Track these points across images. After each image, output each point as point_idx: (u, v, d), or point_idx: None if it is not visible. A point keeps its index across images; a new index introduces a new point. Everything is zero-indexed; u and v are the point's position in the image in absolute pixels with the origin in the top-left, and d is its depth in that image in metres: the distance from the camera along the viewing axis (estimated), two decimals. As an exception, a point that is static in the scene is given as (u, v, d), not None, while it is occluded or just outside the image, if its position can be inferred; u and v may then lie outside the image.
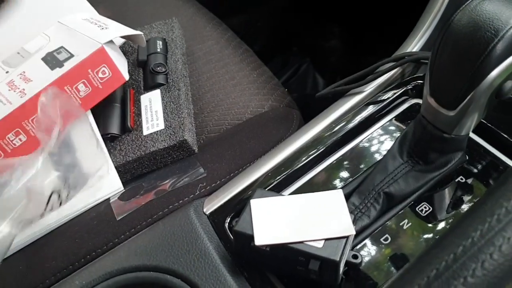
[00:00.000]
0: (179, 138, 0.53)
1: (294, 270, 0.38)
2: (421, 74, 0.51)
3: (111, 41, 0.55)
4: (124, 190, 0.53)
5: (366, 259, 0.39)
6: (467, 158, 0.44)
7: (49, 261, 0.47)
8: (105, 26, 0.57)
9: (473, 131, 0.43)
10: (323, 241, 0.36)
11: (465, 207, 0.41)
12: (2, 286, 0.46)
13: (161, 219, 0.47)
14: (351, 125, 0.49)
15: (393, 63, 0.51)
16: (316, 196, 0.39)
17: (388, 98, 0.50)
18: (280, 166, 0.47)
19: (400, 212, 0.42)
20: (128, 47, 0.65)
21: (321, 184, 0.45)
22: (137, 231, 0.48)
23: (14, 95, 0.52)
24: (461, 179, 0.43)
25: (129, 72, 0.59)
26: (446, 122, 0.39)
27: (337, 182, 0.45)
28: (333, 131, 0.49)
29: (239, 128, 0.58)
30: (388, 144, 0.47)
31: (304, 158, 0.47)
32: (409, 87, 0.50)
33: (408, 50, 0.53)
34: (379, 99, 0.51)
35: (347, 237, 0.37)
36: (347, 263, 0.38)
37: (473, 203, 0.40)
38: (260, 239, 0.37)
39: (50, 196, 0.47)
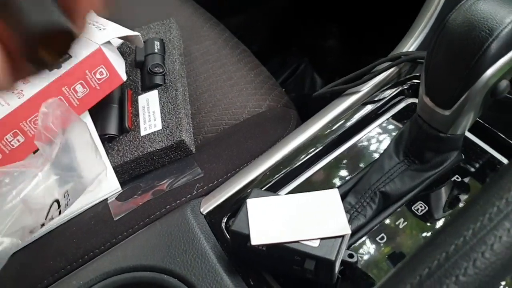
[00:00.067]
0: (176, 139, 0.53)
1: (290, 270, 0.38)
2: (418, 74, 0.51)
3: (108, 42, 0.55)
4: (121, 191, 0.53)
5: (362, 258, 0.39)
6: (463, 157, 0.44)
7: (47, 261, 0.47)
8: (102, 27, 0.58)
9: (469, 130, 0.43)
10: (319, 240, 0.36)
11: (461, 206, 0.41)
12: (0, 286, 0.46)
13: (158, 219, 0.47)
14: (347, 125, 0.49)
15: (390, 63, 0.51)
16: (312, 196, 0.40)
17: (385, 97, 0.50)
18: (277, 166, 0.47)
19: (396, 211, 0.42)
20: (125, 48, 0.66)
21: (317, 184, 0.46)
22: (135, 231, 0.48)
23: (12, 96, 0.52)
24: (457, 178, 0.43)
25: (126, 72, 0.59)
26: (442, 122, 0.39)
27: (333, 182, 0.45)
28: (329, 130, 0.49)
29: (237, 128, 0.58)
30: (384, 143, 0.47)
31: (300, 158, 0.47)
32: (406, 86, 0.51)
33: (405, 50, 0.53)
34: (375, 98, 0.51)
35: (342, 237, 0.37)
36: (343, 262, 0.38)
37: (467, 200, 0.40)
38: (256, 238, 0.37)
39: (50, 206, 0.47)
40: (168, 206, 0.49)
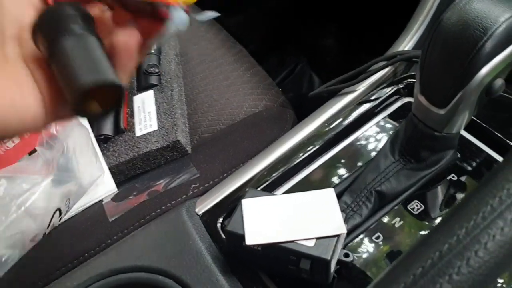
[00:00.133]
0: (172, 139, 0.53)
1: (285, 269, 0.38)
2: (413, 73, 0.51)
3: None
4: (117, 191, 0.53)
5: (358, 257, 0.39)
6: (459, 156, 0.44)
7: (42, 263, 0.47)
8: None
9: (465, 129, 0.43)
10: (314, 240, 0.36)
11: (457, 203, 0.41)
12: (-5, 288, 0.46)
13: (154, 220, 0.47)
14: (343, 125, 0.49)
15: (385, 62, 0.51)
16: (308, 195, 0.40)
17: (380, 97, 0.50)
18: (273, 166, 0.47)
19: (392, 211, 0.42)
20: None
21: (313, 183, 0.45)
22: (130, 232, 0.48)
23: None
24: (453, 177, 0.43)
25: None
26: (437, 120, 0.39)
27: (329, 181, 0.45)
28: (325, 130, 0.49)
29: (233, 128, 0.58)
30: (380, 143, 0.47)
31: (296, 158, 0.47)
32: (401, 86, 0.51)
33: (400, 49, 0.53)
34: (371, 98, 0.51)
35: (338, 236, 0.37)
36: (339, 261, 0.38)
37: (461, 199, 0.40)
38: (251, 238, 0.37)
39: (53, 215, 0.47)
40: (163, 207, 0.49)
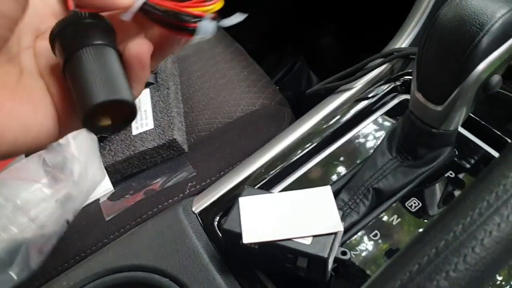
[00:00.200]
0: (168, 137, 0.53)
1: (283, 268, 0.37)
2: (410, 70, 0.51)
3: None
4: (113, 190, 0.52)
5: (356, 255, 0.39)
6: (456, 153, 0.44)
7: (38, 263, 0.47)
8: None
9: (462, 126, 0.43)
10: (311, 238, 0.36)
11: (453, 199, 0.41)
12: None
13: (150, 219, 0.47)
14: (340, 122, 0.49)
15: (382, 59, 0.51)
16: (305, 193, 0.39)
17: (378, 94, 0.50)
18: (270, 164, 0.47)
19: (389, 208, 0.41)
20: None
21: (310, 181, 0.45)
22: (126, 231, 0.47)
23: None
24: (451, 174, 0.43)
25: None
26: (434, 117, 0.39)
27: (326, 179, 0.45)
28: (322, 128, 0.49)
29: (230, 127, 0.58)
30: (377, 140, 0.47)
31: (293, 156, 0.47)
32: (398, 83, 0.50)
33: (397, 46, 0.53)
34: (368, 95, 0.50)
35: (335, 234, 0.36)
36: (336, 259, 0.38)
37: (457, 195, 0.40)
38: (248, 237, 0.37)
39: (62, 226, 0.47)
40: (160, 206, 0.49)
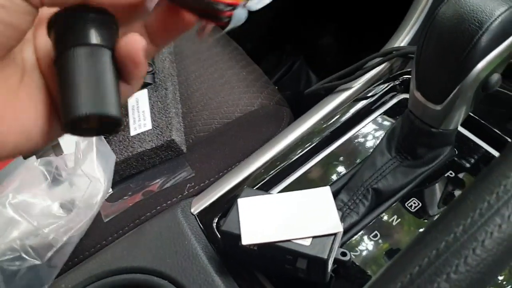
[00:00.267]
0: (166, 138, 0.53)
1: (282, 269, 0.37)
2: (409, 69, 0.51)
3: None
4: (112, 192, 0.52)
5: (356, 256, 0.39)
6: (456, 152, 0.43)
7: (37, 265, 0.47)
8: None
9: (462, 125, 0.43)
10: (311, 239, 0.36)
11: (453, 200, 0.41)
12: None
13: (149, 221, 0.46)
14: (339, 122, 0.48)
15: (381, 58, 0.51)
16: (304, 194, 0.39)
17: (377, 93, 0.50)
18: (269, 164, 0.47)
19: (389, 208, 0.41)
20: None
21: (310, 181, 0.45)
22: (125, 232, 0.47)
23: None
24: (451, 173, 0.43)
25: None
26: (434, 117, 0.39)
27: (326, 179, 0.45)
28: (321, 128, 0.48)
29: (229, 127, 0.58)
30: (376, 140, 0.47)
31: (292, 156, 0.47)
32: (397, 82, 0.50)
33: (396, 45, 0.53)
34: (367, 95, 0.50)
35: (335, 235, 0.36)
36: (336, 260, 0.37)
37: (458, 196, 0.40)
38: (247, 238, 0.36)
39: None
40: (158, 207, 0.49)
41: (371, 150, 0.45)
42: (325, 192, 0.39)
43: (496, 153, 0.43)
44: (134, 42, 0.24)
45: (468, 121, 0.42)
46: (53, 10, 0.24)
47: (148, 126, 0.54)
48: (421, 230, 0.40)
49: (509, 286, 0.35)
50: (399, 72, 0.51)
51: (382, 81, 0.51)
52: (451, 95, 0.36)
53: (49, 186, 0.49)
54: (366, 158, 0.44)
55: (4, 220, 0.44)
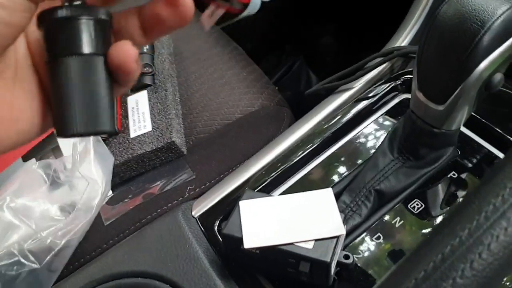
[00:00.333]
0: (166, 140, 0.52)
1: (285, 272, 0.37)
2: (410, 69, 0.50)
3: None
4: (112, 194, 0.52)
5: (359, 259, 0.39)
6: (459, 152, 0.43)
7: (37, 269, 0.46)
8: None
9: (464, 125, 0.43)
10: (313, 242, 0.35)
11: (458, 202, 0.41)
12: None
13: (149, 224, 0.46)
14: (340, 123, 0.48)
15: (382, 58, 0.51)
16: (306, 196, 0.39)
17: (378, 94, 0.49)
18: (270, 166, 0.47)
19: (392, 210, 0.41)
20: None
21: (312, 183, 0.45)
22: (126, 236, 0.47)
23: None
24: (454, 174, 0.42)
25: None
26: (436, 117, 0.38)
27: (328, 180, 0.44)
28: (322, 129, 0.48)
29: (229, 128, 0.57)
30: (378, 140, 0.46)
31: (293, 157, 0.46)
32: (398, 82, 0.50)
33: (397, 45, 0.52)
34: (369, 95, 0.50)
35: (337, 237, 0.36)
36: (339, 263, 0.37)
37: (462, 199, 0.40)
38: (249, 241, 0.36)
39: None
40: (159, 210, 0.48)
41: (373, 151, 0.45)
42: (327, 194, 0.39)
43: (498, 153, 0.43)
44: (126, 51, 0.23)
45: (471, 121, 0.42)
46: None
47: (148, 128, 0.54)
48: (423, 231, 0.40)
49: (514, 288, 0.35)
50: (400, 72, 0.51)
51: (383, 81, 0.50)
52: (454, 95, 0.36)
53: (48, 189, 0.48)
54: (368, 159, 0.43)
55: (2, 224, 0.43)
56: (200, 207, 0.45)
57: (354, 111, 0.49)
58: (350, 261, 0.37)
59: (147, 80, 0.58)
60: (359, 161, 0.45)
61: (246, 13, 0.24)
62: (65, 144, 0.53)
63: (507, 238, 0.21)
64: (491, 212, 0.22)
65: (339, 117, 0.49)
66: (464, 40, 0.33)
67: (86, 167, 0.47)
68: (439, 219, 0.40)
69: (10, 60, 0.23)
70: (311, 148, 0.47)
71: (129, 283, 0.41)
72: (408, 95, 0.49)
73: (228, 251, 0.39)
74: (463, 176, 0.42)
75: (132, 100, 0.58)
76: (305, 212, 0.37)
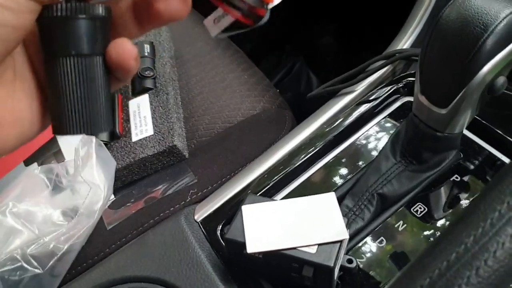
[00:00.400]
0: (168, 144, 0.52)
1: (288, 277, 0.37)
2: (413, 72, 0.50)
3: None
4: (114, 198, 0.52)
5: (362, 263, 0.38)
6: (462, 156, 0.43)
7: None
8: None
9: (467, 128, 0.42)
10: (317, 246, 0.35)
11: (461, 206, 0.40)
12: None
13: (152, 228, 0.46)
14: (343, 126, 0.48)
15: (384, 61, 0.50)
16: (308, 200, 0.39)
17: (380, 97, 0.49)
18: (272, 170, 0.46)
19: (395, 213, 0.41)
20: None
21: (314, 187, 0.45)
22: (128, 240, 0.47)
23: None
24: (456, 177, 0.42)
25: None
26: (439, 120, 0.38)
27: (330, 184, 0.44)
28: (324, 132, 0.48)
29: (231, 131, 0.57)
30: (380, 144, 0.46)
31: (296, 161, 0.46)
32: (401, 85, 0.50)
33: (399, 47, 0.52)
34: (370, 98, 0.50)
35: (341, 242, 0.36)
36: (342, 268, 0.37)
37: (467, 205, 0.40)
38: (252, 246, 0.36)
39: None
40: (161, 214, 0.48)
41: (375, 154, 0.45)
42: (330, 198, 0.38)
43: (501, 156, 0.43)
44: (124, 49, 0.23)
45: (473, 123, 0.42)
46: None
47: (150, 131, 0.54)
48: (427, 234, 0.39)
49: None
50: (402, 74, 0.51)
51: (385, 84, 0.50)
52: (457, 99, 0.36)
53: (50, 194, 0.48)
54: (371, 163, 0.43)
55: (4, 230, 0.43)
56: (202, 212, 0.45)
57: (356, 114, 0.49)
58: (353, 265, 0.37)
59: (149, 83, 0.58)
60: (362, 164, 0.45)
61: (257, 24, 0.23)
62: (67, 148, 0.53)
63: (513, 245, 0.21)
64: (497, 219, 0.22)
65: (341, 120, 0.49)
66: (467, 43, 0.33)
67: (88, 172, 0.47)
68: (442, 222, 0.40)
69: (9, 61, 0.22)
70: (313, 151, 0.47)
71: (132, 288, 0.41)
72: (410, 98, 0.49)
73: (231, 256, 0.39)
74: (466, 179, 0.42)
75: (133, 104, 0.58)
76: (308, 217, 0.37)
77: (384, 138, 0.47)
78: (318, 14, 1.04)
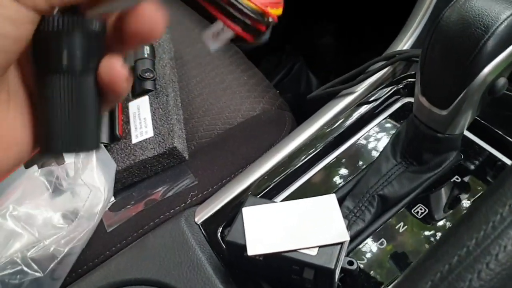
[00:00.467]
0: (168, 146, 0.52)
1: (289, 279, 0.37)
2: (413, 72, 0.50)
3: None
4: (114, 201, 0.52)
5: (362, 264, 0.38)
6: (462, 157, 0.43)
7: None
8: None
9: (467, 129, 0.42)
10: (317, 248, 0.35)
11: (461, 207, 0.40)
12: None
13: (152, 230, 0.46)
14: (343, 127, 0.48)
15: (384, 62, 0.50)
16: (309, 202, 0.39)
17: (380, 98, 0.49)
18: (273, 172, 0.46)
19: (395, 215, 0.41)
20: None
21: (314, 188, 0.45)
22: (128, 243, 0.47)
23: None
24: (457, 178, 0.42)
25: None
26: (439, 122, 0.38)
27: (331, 185, 0.44)
28: (324, 133, 0.48)
29: (231, 133, 0.57)
30: (381, 145, 0.46)
31: (296, 162, 0.46)
32: (401, 86, 0.50)
33: (399, 48, 0.52)
34: (371, 99, 0.50)
35: (341, 243, 0.36)
36: (343, 270, 0.37)
37: (469, 207, 0.39)
38: (253, 248, 0.36)
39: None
40: (161, 216, 0.48)
41: (375, 155, 0.45)
42: (331, 200, 0.38)
43: (502, 157, 0.43)
44: (116, 71, 0.22)
45: (474, 124, 0.42)
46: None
47: (150, 133, 0.54)
48: (427, 235, 0.39)
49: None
50: (402, 75, 0.50)
51: (385, 85, 0.50)
52: (457, 100, 0.36)
53: (50, 197, 0.48)
54: (371, 164, 0.43)
55: (5, 233, 0.43)
56: (202, 214, 0.45)
57: (356, 115, 0.49)
58: (354, 267, 0.37)
59: (149, 85, 0.58)
60: (362, 165, 0.45)
61: (259, 40, 0.23)
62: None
63: (515, 248, 0.21)
64: (498, 222, 0.22)
65: (341, 121, 0.49)
66: (468, 45, 0.33)
67: (89, 174, 0.47)
68: (442, 223, 0.40)
69: (4, 80, 0.22)
70: (314, 153, 0.47)
71: (132, 291, 0.41)
72: (410, 99, 0.49)
73: (232, 258, 0.39)
74: (467, 180, 0.42)
75: (133, 105, 0.58)
76: (309, 219, 0.37)
77: (385, 139, 0.46)
78: (318, 14, 1.04)
